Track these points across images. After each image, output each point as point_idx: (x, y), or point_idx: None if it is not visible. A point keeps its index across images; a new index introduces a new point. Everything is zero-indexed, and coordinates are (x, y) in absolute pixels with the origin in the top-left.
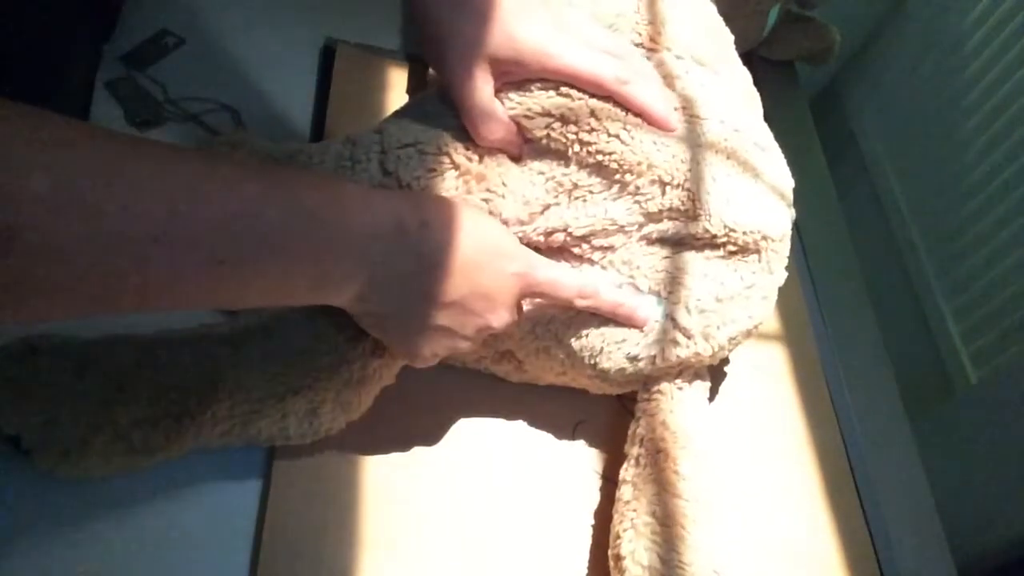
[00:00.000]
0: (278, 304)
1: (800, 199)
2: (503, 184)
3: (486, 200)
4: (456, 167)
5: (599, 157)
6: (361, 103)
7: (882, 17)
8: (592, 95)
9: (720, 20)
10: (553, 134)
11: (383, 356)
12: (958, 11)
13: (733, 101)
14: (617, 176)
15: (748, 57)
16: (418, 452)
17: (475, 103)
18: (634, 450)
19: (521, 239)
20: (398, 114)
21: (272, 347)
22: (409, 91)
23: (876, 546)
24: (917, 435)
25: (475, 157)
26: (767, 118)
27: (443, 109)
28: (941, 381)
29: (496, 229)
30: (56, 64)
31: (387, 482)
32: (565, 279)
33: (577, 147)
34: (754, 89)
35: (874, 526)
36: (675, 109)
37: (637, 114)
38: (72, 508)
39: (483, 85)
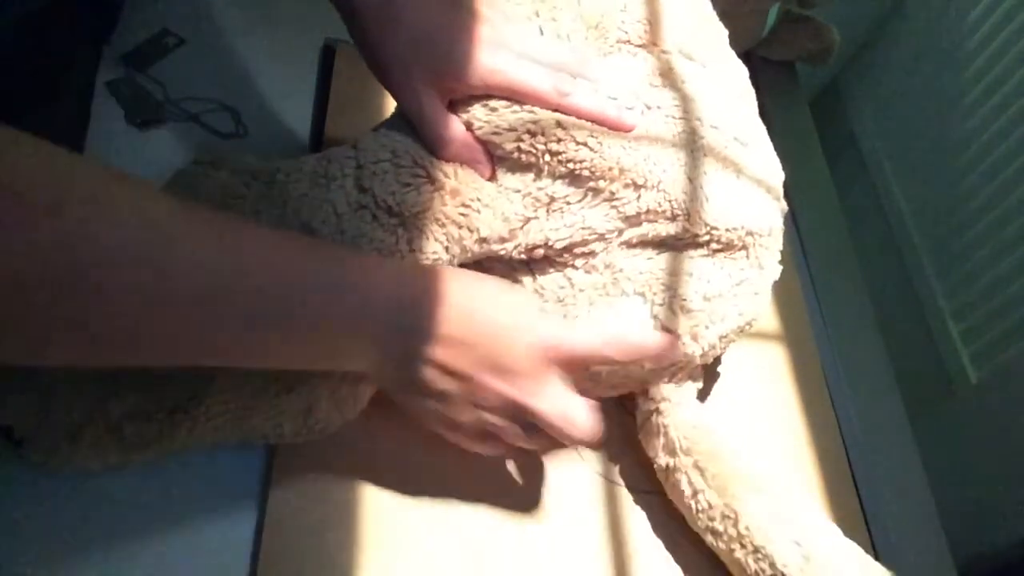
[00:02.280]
0: (295, 368)
1: (800, 199)
2: (478, 199)
3: (463, 215)
4: (431, 181)
5: (571, 166)
6: (361, 103)
7: (882, 17)
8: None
9: (712, 13)
10: (523, 146)
11: None
12: (958, 11)
13: (718, 97)
14: (591, 183)
15: (748, 57)
16: (418, 452)
17: (426, 127)
18: (670, 461)
19: (503, 256)
20: (379, 127)
21: None
22: None
23: (876, 546)
24: (917, 435)
25: (451, 172)
26: (767, 118)
27: (399, 123)
28: (941, 381)
29: (510, 303)
30: (57, 64)
31: (387, 482)
32: (588, 339)
33: (548, 158)
34: (748, 84)
35: (874, 526)
36: (652, 108)
37: (591, 122)
38: (69, 506)
39: (430, 109)
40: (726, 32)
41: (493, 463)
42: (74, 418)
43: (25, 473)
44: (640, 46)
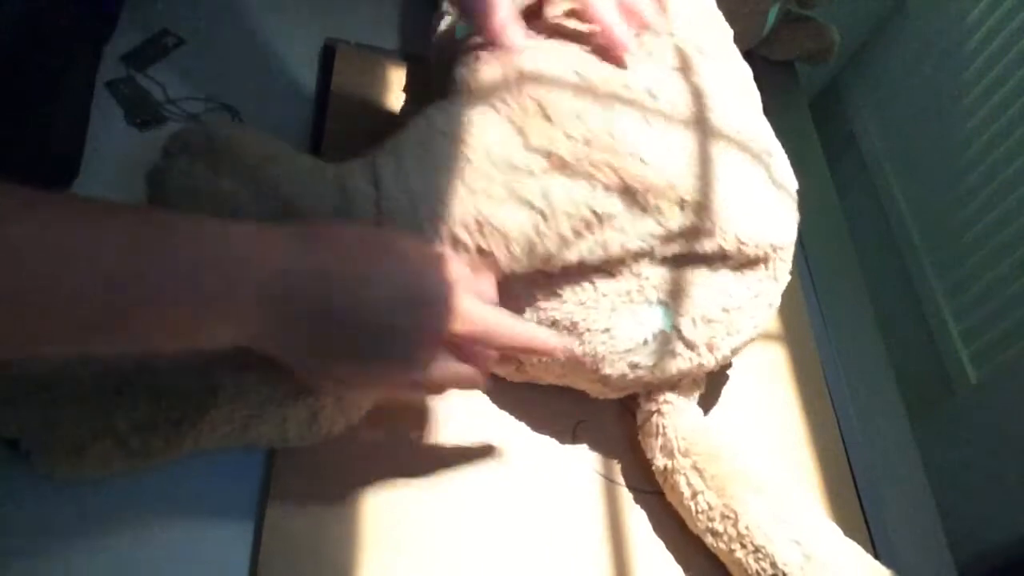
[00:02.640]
0: (175, 346)
1: (800, 199)
2: (505, 247)
3: (490, 273)
4: (455, 245)
5: (625, 178)
6: (361, 103)
7: (882, 17)
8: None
9: (718, 12)
10: (580, 156)
11: None
12: (958, 11)
13: (740, 100)
14: (641, 198)
15: (748, 57)
16: (418, 451)
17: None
18: (669, 463)
19: (527, 274)
20: (397, 150)
21: None
22: (408, 91)
23: (876, 546)
24: (917, 435)
25: (473, 227)
26: (767, 118)
27: (443, 143)
28: (941, 381)
29: (408, 269)
30: (56, 64)
31: (387, 481)
32: (499, 326)
33: (602, 169)
34: (753, 84)
35: (874, 526)
36: (689, 124)
37: (596, 23)
38: (71, 509)
39: None
40: (731, 31)
41: (493, 465)
42: (80, 430)
43: (25, 474)
44: (658, 37)
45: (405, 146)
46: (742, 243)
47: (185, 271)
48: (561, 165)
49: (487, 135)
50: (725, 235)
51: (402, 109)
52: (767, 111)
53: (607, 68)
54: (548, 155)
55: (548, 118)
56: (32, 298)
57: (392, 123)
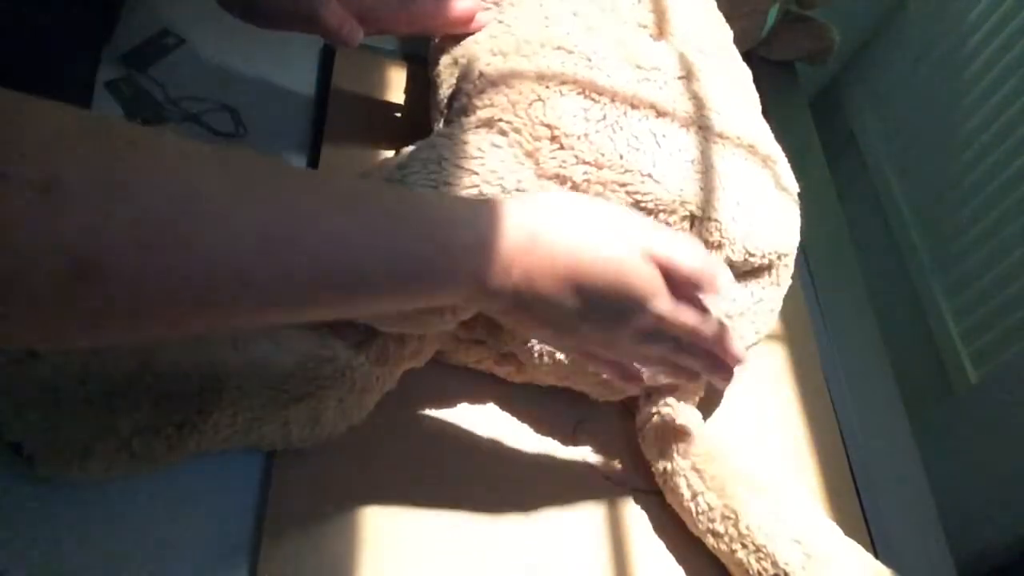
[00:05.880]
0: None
1: (800, 200)
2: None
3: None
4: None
5: (637, 198)
6: (361, 103)
7: (882, 17)
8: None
9: (719, 13)
10: (591, 179)
11: (386, 364)
12: (958, 11)
13: (738, 101)
14: (652, 217)
15: (748, 57)
16: (419, 451)
17: None
18: (668, 465)
19: None
20: (404, 178)
21: (275, 354)
22: (408, 91)
23: (876, 546)
24: (917, 435)
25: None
26: (767, 118)
27: (451, 172)
28: (941, 381)
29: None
30: (56, 64)
31: (387, 481)
32: (693, 252)
33: (616, 188)
34: (752, 86)
35: (874, 526)
36: (693, 128)
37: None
38: (73, 510)
39: None
40: (731, 33)
41: (493, 464)
42: (84, 435)
43: (27, 477)
44: (660, 38)
45: (411, 174)
46: (750, 254)
47: (401, 259)
48: (572, 189)
49: (497, 163)
50: (733, 247)
51: (402, 109)
52: (767, 111)
53: (614, 85)
54: (559, 179)
55: (558, 142)
56: (231, 280)
57: (392, 123)
